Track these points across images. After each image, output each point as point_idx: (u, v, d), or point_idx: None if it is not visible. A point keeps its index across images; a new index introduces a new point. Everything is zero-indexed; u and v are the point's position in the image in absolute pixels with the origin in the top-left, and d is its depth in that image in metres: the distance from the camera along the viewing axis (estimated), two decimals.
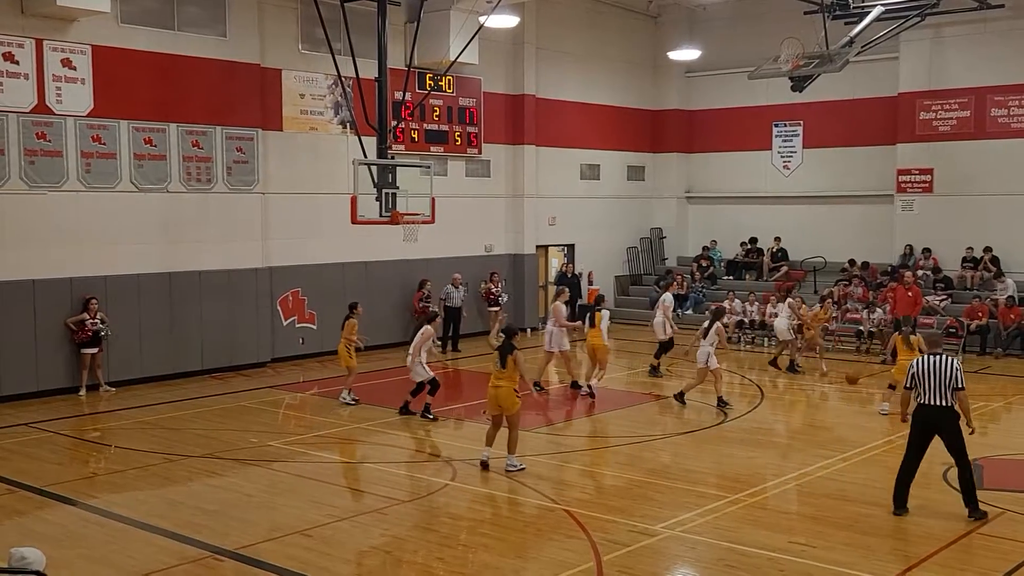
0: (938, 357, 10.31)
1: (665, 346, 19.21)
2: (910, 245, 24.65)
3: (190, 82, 18.67)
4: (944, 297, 22.91)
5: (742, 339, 23.40)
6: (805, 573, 8.80)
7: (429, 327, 15.27)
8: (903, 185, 24.96)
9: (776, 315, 22.89)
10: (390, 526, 10.25)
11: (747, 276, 27.04)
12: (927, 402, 10.20)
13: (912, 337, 15.12)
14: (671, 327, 19.14)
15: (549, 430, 15.00)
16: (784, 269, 26.32)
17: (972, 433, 10.36)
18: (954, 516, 10.41)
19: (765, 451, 13.53)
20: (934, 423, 10.20)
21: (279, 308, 20.49)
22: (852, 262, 24.80)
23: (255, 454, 13.22)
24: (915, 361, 10.50)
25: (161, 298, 18.45)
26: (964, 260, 23.76)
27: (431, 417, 15.08)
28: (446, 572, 9.02)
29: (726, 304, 23.25)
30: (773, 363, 19.79)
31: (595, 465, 12.96)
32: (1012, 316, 21.28)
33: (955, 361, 10.30)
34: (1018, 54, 23.13)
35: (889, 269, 24.14)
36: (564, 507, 10.75)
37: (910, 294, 20.53)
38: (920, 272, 23.50)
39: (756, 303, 23.55)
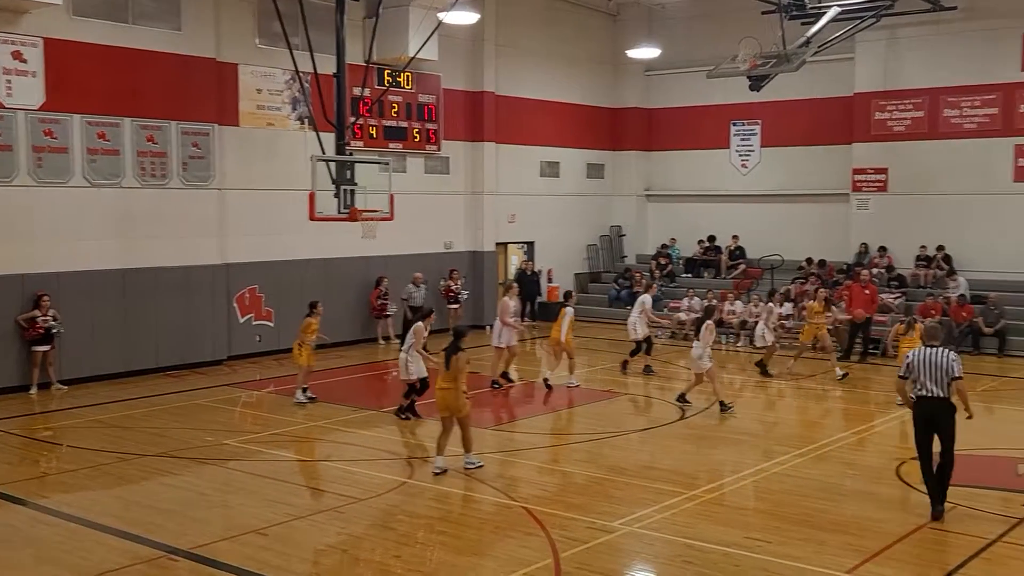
0: (935, 349, 10.27)
1: (640, 346, 19.06)
2: (865, 243, 24.96)
3: (144, 76, 18.41)
4: (898, 295, 23.23)
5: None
6: (760, 568, 8.87)
7: (420, 324, 14.72)
8: (858, 184, 25.27)
9: (734, 312, 23.17)
10: (347, 524, 10.18)
11: (705, 274, 27.22)
12: (926, 394, 10.17)
13: (917, 324, 15.44)
14: (644, 327, 18.90)
15: (509, 427, 14.99)
16: (742, 267, 26.53)
17: (970, 418, 10.33)
18: (907, 510, 10.55)
19: (723, 448, 13.63)
20: (931, 414, 10.18)
21: (236, 305, 20.29)
22: (809, 260, 25.05)
23: (210, 452, 13.06)
24: (912, 352, 10.51)
25: (115, 295, 18.18)
26: (917, 258, 24.10)
27: (405, 417, 14.81)
28: (404, 570, 8.97)
29: (714, 302, 23.41)
30: (760, 365, 19.10)
31: (554, 462, 12.97)
32: (964, 314, 21.62)
33: (951, 353, 10.27)
34: (970, 55, 23.51)
35: (845, 267, 24.43)
36: (522, 504, 10.75)
37: (867, 292, 20.77)
38: (875, 270, 23.80)
39: (714, 300, 23.63)
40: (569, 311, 17.52)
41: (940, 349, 10.30)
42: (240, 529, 9.95)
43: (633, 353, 19.19)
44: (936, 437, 10.24)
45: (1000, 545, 9.44)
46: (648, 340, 19.08)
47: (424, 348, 14.77)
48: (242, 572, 8.82)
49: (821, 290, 20.08)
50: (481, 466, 12.03)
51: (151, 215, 18.66)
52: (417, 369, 14.66)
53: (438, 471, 11.84)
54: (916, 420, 10.38)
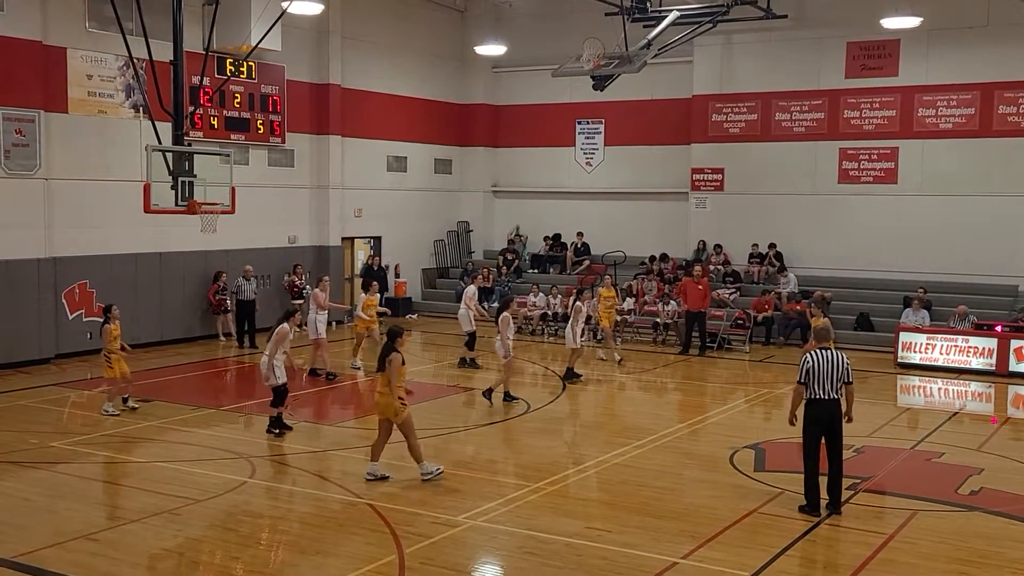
0: (830, 351, 10.20)
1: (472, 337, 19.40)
2: (703, 240, 25.89)
3: None
4: (733, 291, 24.18)
5: (546, 331, 23.87)
6: (600, 557, 9.07)
7: (285, 325, 13.49)
8: (697, 183, 26.18)
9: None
10: (183, 527, 9.84)
11: (551, 270, 27.64)
12: (823, 397, 10.08)
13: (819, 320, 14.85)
14: (474, 320, 19.38)
15: (355, 423, 14.82)
16: (586, 263, 27.07)
17: (849, 422, 10.39)
18: (739, 497, 10.99)
19: (565, 440, 13.86)
20: (827, 418, 10.13)
21: (64, 301, 19.30)
22: (652, 258, 25.75)
23: (35, 456, 12.40)
24: (809, 355, 10.24)
25: None
26: (751, 256, 25.16)
27: (276, 432, 13.54)
28: (245, 572, 8.75)
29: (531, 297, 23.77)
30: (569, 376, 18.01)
31: (400, 458, 12.87)
32: (796, 308, 22.67)
33: (845, 355, 10.27)
34: (799, 62, 24.71)
35: (684, 263, 25.26)
36: (368, 501, 10.65)
37: (700, 287, 21.54)
38: (712, 267, 24.71)
39: (559, 296, 24.08)
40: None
41: (835, 351, 10.25)
42: (68, 535, 9.48)
43: (471, 346, 19.42)
44: (823, 441, 10.23)
45: (824, 528, 9.96)
46: (471, 334, 19.34)
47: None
48: None
49: (607, 277, 21.49)
50: (440, 471, 11.42)
51: None
52: (281, 374, 13.54)
53: (370, 477, 11.33)
54: (812, 422, 10.22)
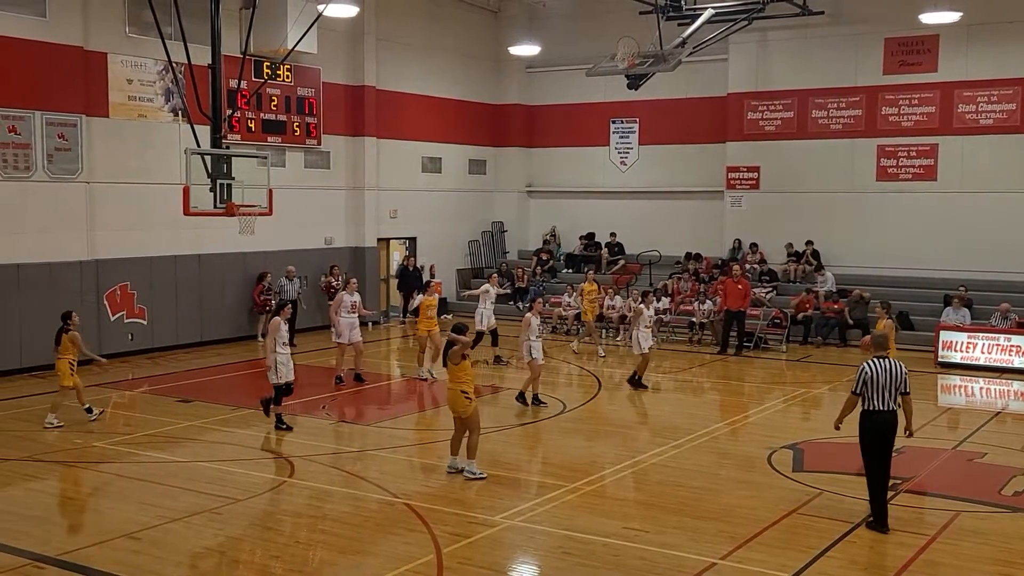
0: (887, 360, 9.80)
1: (493, 335, 19.67)
2: (739, 239, 25.74)
3: (6, 64, 17.58)
4: (770, 289, 24.03)
5: (580, 330, 23.81)
6: (638, 557, 9.06)
7: (276, 319, 13.96)
8: (732, 182, 26.02)
9: (614, 307, 23.54)
10: (224, 526, 9.96)
11: (586, 269, 27.56)
12: (880, 408, 9.67)
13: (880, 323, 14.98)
14: (492, 317, 19.69)
15: (390, 423, 14.91)
16: (622, 262, 27.01)
17: (910, 436, 10.15)
18: (778, 498, 10.93)
19: (602, 440, 13.84)
20: (885, 429, 9.73)
21: (106, 303, 19.58)
22: (688, 255, 25.64)
23: (79, 456, 12.60)
24: (867, 364, 9.80)
25: None
26: (788, 254, 24.98)
27: (285, 427, 13.85)
28: (284, 571, 8.83)
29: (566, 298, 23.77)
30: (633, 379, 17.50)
31: (436, 458, 12.93)
32: (834, 307, 22.48)
33: (903, 365, 9.85)
34: (836, 58, 24.48)
35: (720, 263, 25.13)
36: (405, 501, 10.71)
37: (739, 287, 21.42)
38: (748, 266, 24.57)
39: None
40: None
41: (892, 360, 9.83)
42: (111, 534, 9.62)
43: (494, 344, 19.63)
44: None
45: (865, 529, 9.86)
46: (484, 333, 19.49)
47: (291, 343, 14.22)
48: None
49: (589, 271, 21.61)
50: (483, 477, 11.41)
51: (13, 209, 17.84)
52: (287, 372, 13.78)
53: (451, 470, 11.61)
54: (870, 433, 9.80)
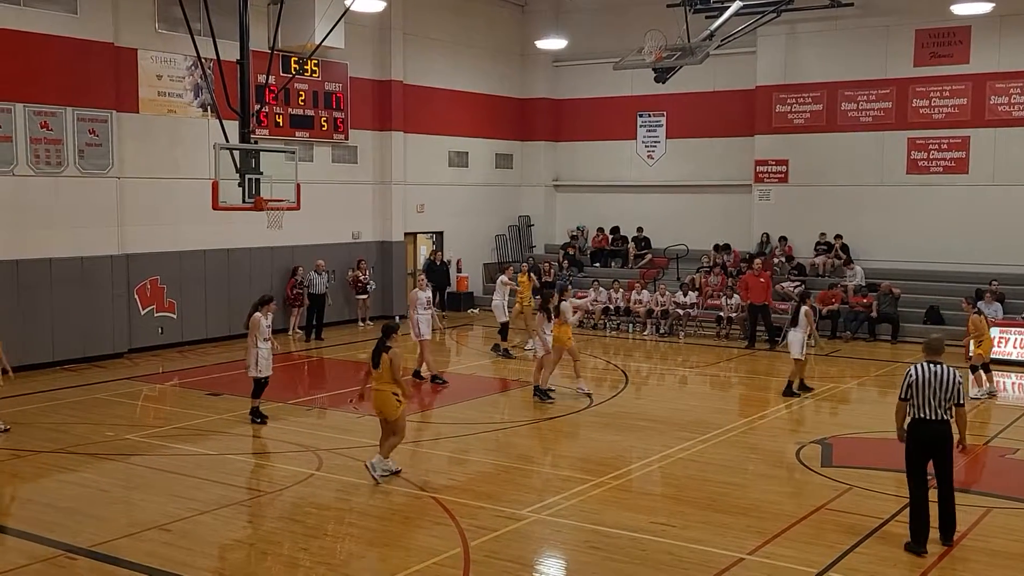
0: (938, 366, 9.00)
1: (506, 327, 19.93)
2: (767, 233, 25.58)
3: (38, 60, 17.77)
4: (798, 283, 23.84)
5: (608, 325, 23.83)
6: (665, 552, 9.05)
7: (257, 314, 13.83)
8: (760, 175, 25.86)
9: (641, 301, 23.47)
10: (253, 518, 10.04)
11: (612, 264, 27.55)
12: (927, 417, 8.94)
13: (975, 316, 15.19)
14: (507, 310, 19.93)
15: (417, 417, 14.95)
16: (648, 257, 26.93)
17: (962, 450, 9.57)
18: (806, 493, 10.87)
19: (629, 435, 13.81)
20: (931, 441, 8.98)
21: (136, 297, 19.77)
22: (717, 247, 25.53)
23: (111, 448, 12.74)
24: (913, 368, 9.09)
25: (7, 287, 17.55)
26: (817, 244, 24.80)
27: (259, 421, 13.94)
28: (312, 563, 8.89)
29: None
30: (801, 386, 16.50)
31: (463, 451, 12.98)
32: (863, 302, 22.31)
33: (956, 372, 9.05)
34: (866, 51, 24.24)
35: (747, 256, 25.00)
36: (432, 494, 10.74)
37: (761, 280, 21.29)
38: (776, 259, 24.41)
39: (621, 290, 24.01)
40: (563, 305, 15.72)
41: (944, 366, 9.02)
42: (142, 525, 9.73)
43: (503, 335, 19.82)
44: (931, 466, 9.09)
45: (894, 524, 9.79)
46: (508, 322, 19.79)
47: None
48: (144, 569, 8.63)
49: (524, 264, 21.60)
50: (393, 473, 11.29)
51: (45, 204, 18.05)
52: (266, 367, 13.87)
53: (384, 474, 11.39)
54: (914, 444, 9.08)
